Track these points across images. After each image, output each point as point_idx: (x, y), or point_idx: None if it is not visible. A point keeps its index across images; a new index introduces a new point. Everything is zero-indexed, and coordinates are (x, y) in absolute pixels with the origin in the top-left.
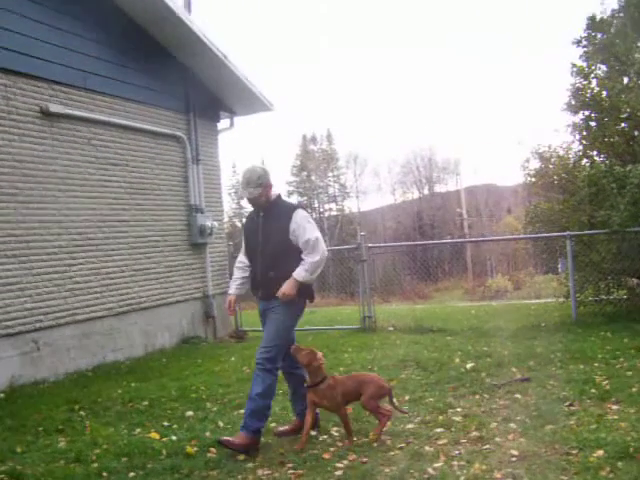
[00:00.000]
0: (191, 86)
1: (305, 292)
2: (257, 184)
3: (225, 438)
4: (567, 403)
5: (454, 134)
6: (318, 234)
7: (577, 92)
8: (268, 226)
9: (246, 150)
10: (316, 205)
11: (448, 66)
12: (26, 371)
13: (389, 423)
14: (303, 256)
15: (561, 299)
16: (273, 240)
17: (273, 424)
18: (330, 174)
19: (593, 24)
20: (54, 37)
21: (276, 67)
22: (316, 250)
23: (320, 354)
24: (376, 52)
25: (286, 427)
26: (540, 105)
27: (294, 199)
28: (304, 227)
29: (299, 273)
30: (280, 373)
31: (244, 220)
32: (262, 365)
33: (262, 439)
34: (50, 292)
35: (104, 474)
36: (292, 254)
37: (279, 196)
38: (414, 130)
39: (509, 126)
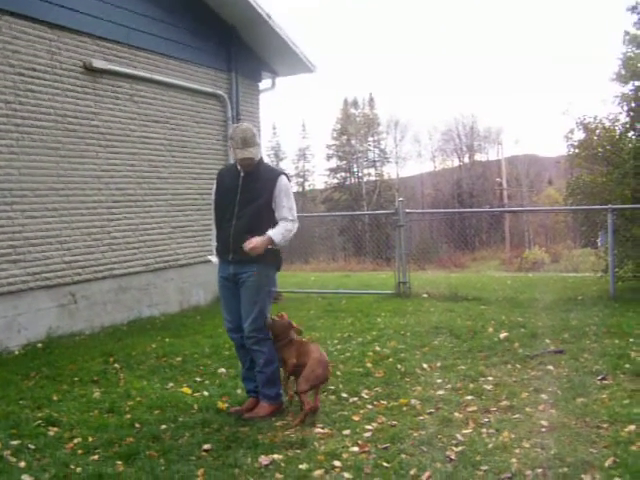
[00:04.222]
0: (233, 45)
1: (278, 262)
2: (255, 143)
3: (248, 415)
4: (600, 377)
5: (497, 102)
6: (294, 205)
7: (628, 61)
8: (251, 187)
9: (286, 111)
10: (355, 170)
11: (492, 32)
12: (63, 323)
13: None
14: (280, 221)
15: (599, 273)
16: (256, 202)
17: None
18: (370, 139)
19: None
20: None
21: (320, 29)
22: (293, 220)
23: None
24: (420, 16)
25: (239, 407)
26: (587, 75)
27: (333, 163)
28: (286, 194)
29: (275, 234)
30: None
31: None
32: (254, 338)
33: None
34: (88, 246)
35: (137, 425)
36: (270, 219)
37: (261, 158)
38: (456, 97)
39: (553, 96)
